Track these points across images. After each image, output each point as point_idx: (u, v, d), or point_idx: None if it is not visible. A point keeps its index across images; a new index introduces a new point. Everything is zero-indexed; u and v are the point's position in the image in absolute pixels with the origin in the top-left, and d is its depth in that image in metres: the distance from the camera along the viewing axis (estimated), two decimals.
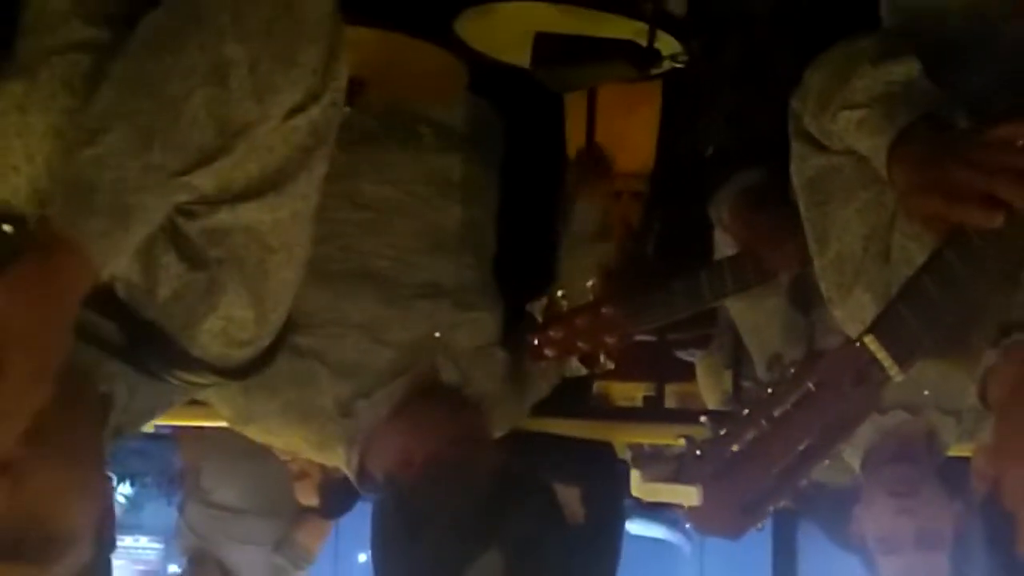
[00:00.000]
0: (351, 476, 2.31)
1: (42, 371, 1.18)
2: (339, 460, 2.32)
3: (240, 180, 1.36)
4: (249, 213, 1.39)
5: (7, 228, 1.27)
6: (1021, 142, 1.37)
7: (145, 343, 1.43)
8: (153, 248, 1.39)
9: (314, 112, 1.37)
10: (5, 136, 1.22)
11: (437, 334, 2.32)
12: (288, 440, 2.35)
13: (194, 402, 2.76)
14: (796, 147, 1.70)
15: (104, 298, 1.37)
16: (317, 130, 1.40)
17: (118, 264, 1.28)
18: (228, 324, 1.45)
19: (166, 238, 1.39)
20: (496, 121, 2.54)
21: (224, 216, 1.38)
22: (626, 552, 3.10)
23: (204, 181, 1.32)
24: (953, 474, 2.30)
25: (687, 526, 1.63)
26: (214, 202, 1.36)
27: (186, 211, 1.37)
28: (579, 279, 2.49)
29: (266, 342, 1.56)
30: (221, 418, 2.90)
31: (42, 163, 1.26)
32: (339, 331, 2.28)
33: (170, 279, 1.39)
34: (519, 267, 2.53)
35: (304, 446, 2.36)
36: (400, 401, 2.26)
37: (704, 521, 1.28)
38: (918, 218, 1.48)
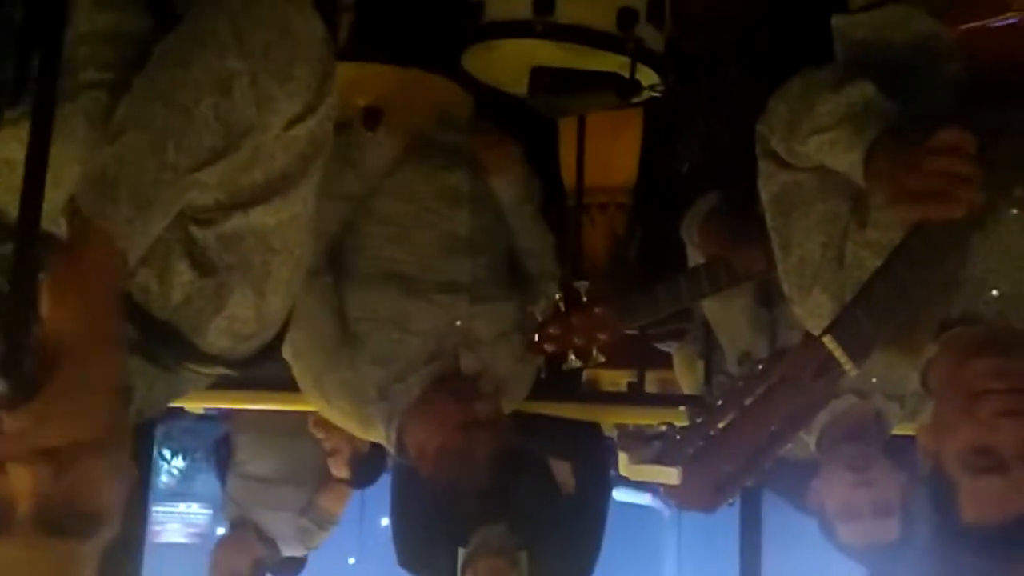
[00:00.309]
0: (391, 450, 2.32)
1: (105, 339, 1.17)
2: (380, 437, 2.33)
3: (248, 187, 1.35)
4: (257, 217, 1.38)
5: None
6: (962, 149, 1.37)
7: (160, 341, 1.41)
8: (168, 258, 1.38)
9: (311, 123, 1.36)
10: None
11: (458, 323, 2.32)
12: (340, 413, 2.37)
13: (233, 386, 2.78)
14: (763, 166, 1.69)
15: (122, 302, 1.36)
16: (315, 140, 1.39)
17: (141, 250, 1.26)
18: (232, 322, 1.44)
19: (180, 249, 1.38)
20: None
21: (237, 221, 1.37)
22: (612, 516, 3.09)
23: (212, 179, 1.31)
24: (897, 450, 2.29)
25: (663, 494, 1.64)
26: (228, 208, 1.35)
27: (203, 220, 1.36)
28: (532, 242, 2.48)
29: (268, 335, 1.54)
30: (254, 401, 2.93)
31: (66, 188, 1.24)
32: (373, 326, 2.29)
33: (183, 285, 1.38)
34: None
35: (351, 422, 2.38)
36: (429, 386, 2.26)
37: (683, 498, 1.28)
38: (900, 222, 1.48)
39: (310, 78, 1.33)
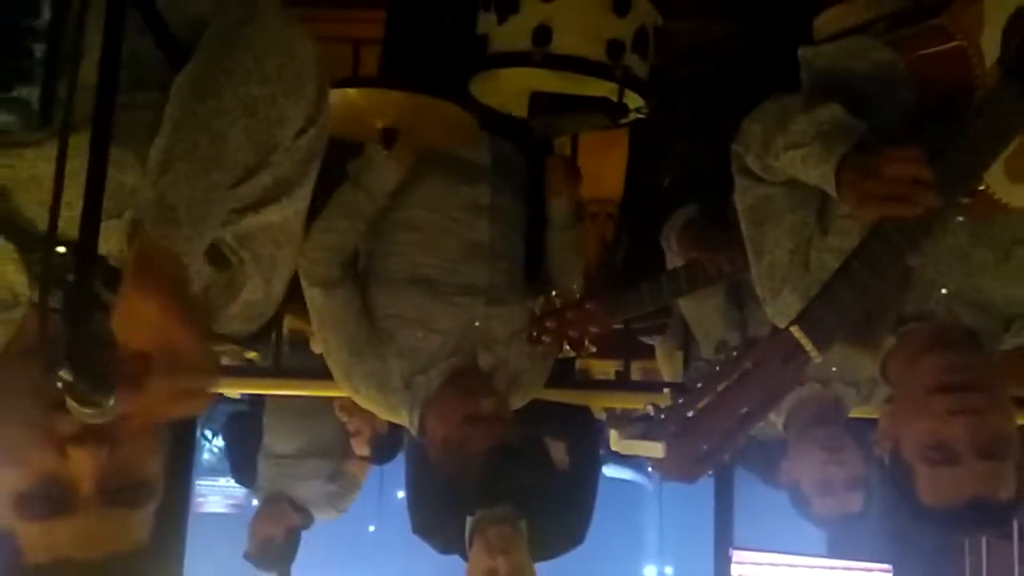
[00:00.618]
0: (414, 433, 2.31)
1: (190, 329, 1.15)
2: (403, 421, 2.32)
3: (259, 190, 1.35)
4: (267, 216, 1.38)
5: (61, 250, 1.23)
6: (918, 159, 1.39)
7: None
8: None
9: (312, 133, 1.36)
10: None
11: (476, 323, 2.30)
12: (368, 401, 2.35)
13: (269, 375, 2.78)
14: (739, 180, 1.68)
15: (196, 308, 1.35)
16: (313, 148, 1.38)
17: (198, 261, 1.26)
18: (246, 307, 1.44)
19: None
20: (518, 157, 2.50)
21: (250, 221, 1.36)
22: (601, 490, 3.08)
23: (249, 191, 1.32)
24: (855, 430, 2.29)
25: (649, 469, 1.63)
26: (241, 210, 1.35)
27: (222, 221, 1.36)
28: (565, 262, 2.46)
29: (270, 313, 1.54)
30: (291, 388, 2.92)
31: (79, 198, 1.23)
32: (400, 323, 2.27)
33: (201, 279, 1.38)
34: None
35: (378, 408, 2.37)
36: (446, 379, 2.25)
37: (667, 469, 1.27)
38: (864, 223, 1.48)
39: (313, 94, 1.34)
